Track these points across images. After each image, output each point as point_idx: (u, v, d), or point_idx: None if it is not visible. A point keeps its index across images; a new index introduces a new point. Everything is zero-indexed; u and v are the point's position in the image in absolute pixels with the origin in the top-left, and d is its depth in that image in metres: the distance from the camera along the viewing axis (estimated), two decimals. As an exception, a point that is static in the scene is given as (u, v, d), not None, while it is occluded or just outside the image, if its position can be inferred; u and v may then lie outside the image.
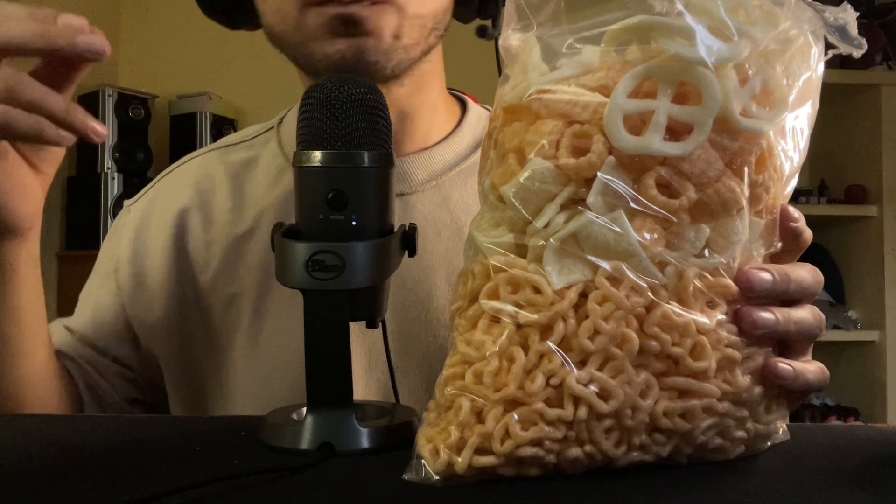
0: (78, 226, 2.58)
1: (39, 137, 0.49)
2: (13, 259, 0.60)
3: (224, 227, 0.74)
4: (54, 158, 0.59)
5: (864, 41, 0.43)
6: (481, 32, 0.70)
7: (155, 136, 2.74)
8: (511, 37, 0.44)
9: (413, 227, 0.51)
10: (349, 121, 0.46)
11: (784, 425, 0.46)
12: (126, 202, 0.81)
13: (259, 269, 0.72)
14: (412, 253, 0.51)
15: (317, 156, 0.46)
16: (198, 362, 0.73)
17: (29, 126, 0.49)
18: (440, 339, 0.68)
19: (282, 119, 0.79)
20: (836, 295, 2.69)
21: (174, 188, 0.77)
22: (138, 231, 0.76)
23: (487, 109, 0.80)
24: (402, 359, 0.68)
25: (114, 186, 2.55)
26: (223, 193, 0.75)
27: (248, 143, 0.79)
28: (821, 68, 0.44)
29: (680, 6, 0.39)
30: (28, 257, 0.61)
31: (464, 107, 0.80)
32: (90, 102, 2.52)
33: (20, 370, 0.64)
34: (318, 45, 0.63)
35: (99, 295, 0.76)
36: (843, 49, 0.44)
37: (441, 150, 0.74)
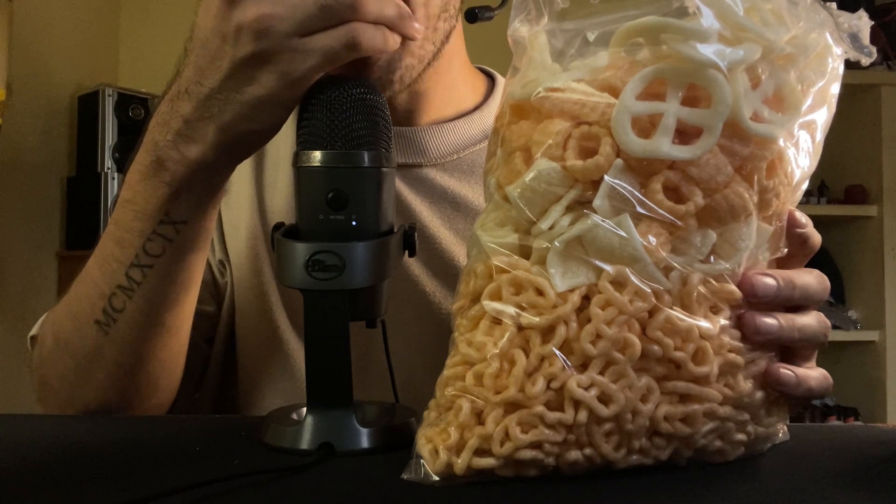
0: (78, 226, 2.56)
1: (383, 49, 0.48)
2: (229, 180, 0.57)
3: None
4: None
5: (874, 49, 0.43)
6: (470, 17, 0.66)
7: (155, 136, 2.73)
8: (520, 28, 0.44)
9: (413, 227, 0.51)
10: (349, 121, 0.46)
11: (784, 426, 0.46)
12: None
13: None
14: (412, 253, 0.51)
15: (317, 156, 0.46)
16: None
17: (374, 40, 0.47)
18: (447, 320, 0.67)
19: None
20: (836, 295, 2.68)
21: None
22: None
23: None
24: (414, 325, 0.68)
25: (114, 186, 2.53)
26: None
27: None
28: (839, 73, 0.43)
29: (694, 6, 0.39)
30: None
31: (492, 82, 0.79)
32: (90, 102, 2.51)
33: (192, 305, 0.62)
34: None
35: None
36: (853, 56, 0.43)
37: (464, 124, 0.73)
